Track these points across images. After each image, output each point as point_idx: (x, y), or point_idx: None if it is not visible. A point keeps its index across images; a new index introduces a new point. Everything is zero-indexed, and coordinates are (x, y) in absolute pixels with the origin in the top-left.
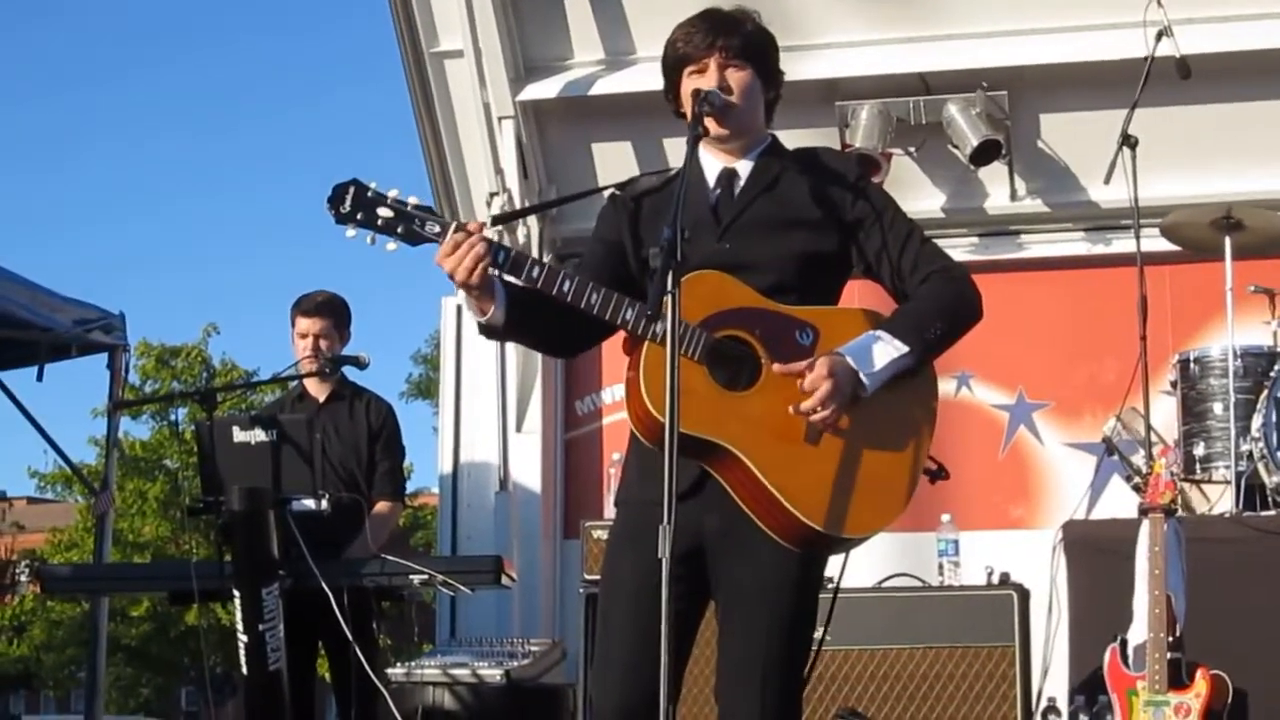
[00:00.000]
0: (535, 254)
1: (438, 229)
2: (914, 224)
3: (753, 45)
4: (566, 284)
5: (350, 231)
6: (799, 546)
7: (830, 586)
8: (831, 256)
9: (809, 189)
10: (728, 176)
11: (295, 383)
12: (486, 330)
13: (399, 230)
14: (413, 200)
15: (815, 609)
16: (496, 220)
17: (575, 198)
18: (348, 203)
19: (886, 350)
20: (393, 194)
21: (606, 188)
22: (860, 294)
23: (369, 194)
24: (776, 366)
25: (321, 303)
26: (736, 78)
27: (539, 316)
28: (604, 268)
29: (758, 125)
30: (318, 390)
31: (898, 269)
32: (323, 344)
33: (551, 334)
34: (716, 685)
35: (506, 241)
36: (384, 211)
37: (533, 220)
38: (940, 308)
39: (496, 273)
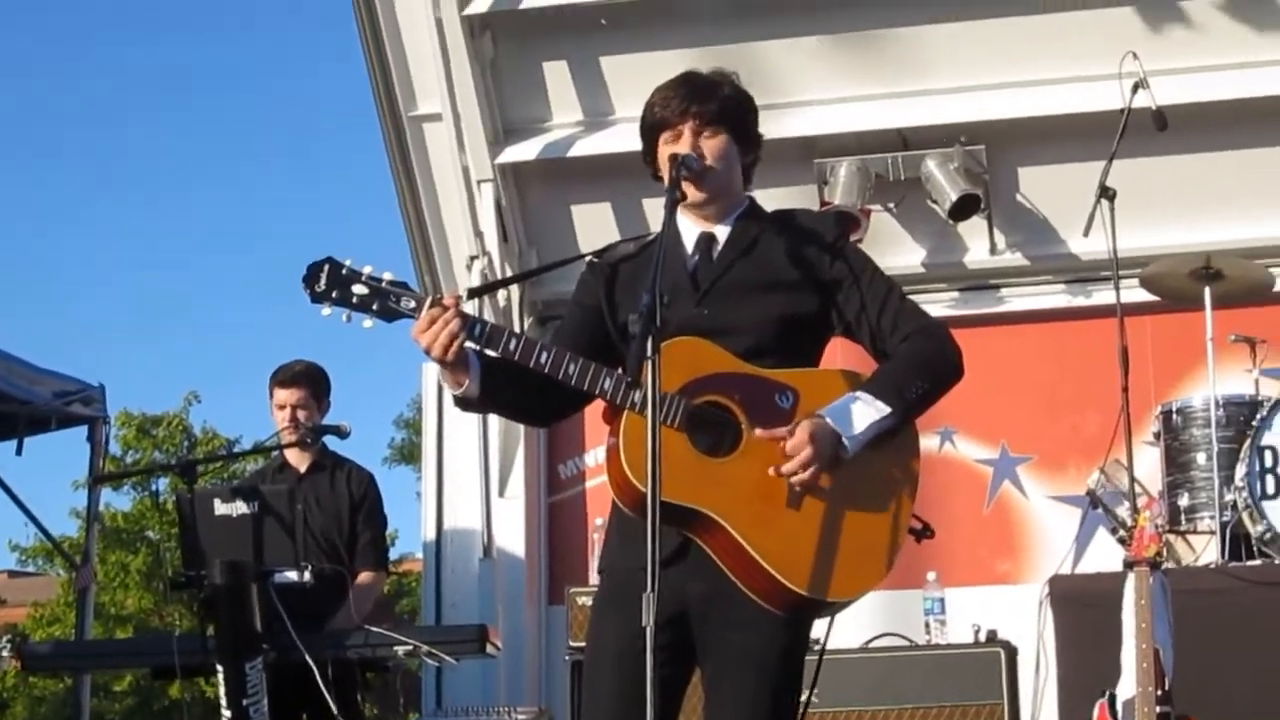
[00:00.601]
0: (516, 317)
1: (413, 304)
2: (893, 283)
3: (728, 110)
4: (544, 355)
5: (326, 310)
6: (784, 610)
7: (816, 649)
8: (811, 318)
9: (786, 251)
10: (706, 241)
11: (276, 454)
12: (462, 403)
13: (374, 307)
14: (387, 276)
15: (802, 672)
16: (473, 293)
17: (551, 267)
18: (322, 281)
19: (868, 412)
20: (367, 270)
21: (581, 256)
22: (843, 353)
23: (343, 272)
24: (758, 432)
25: (299, 373)
26: (710, 144)
27: (514, 387)
28: (582, 333)
29: (735, 189)
30: (299, 461)
31: (877, 329)
32: (301, 414)
33: (529, 404)
34: None
35: (487, 304)
36: (359, 289)
37: (515, 290)
38: (921, 367)
39: (474, 346)
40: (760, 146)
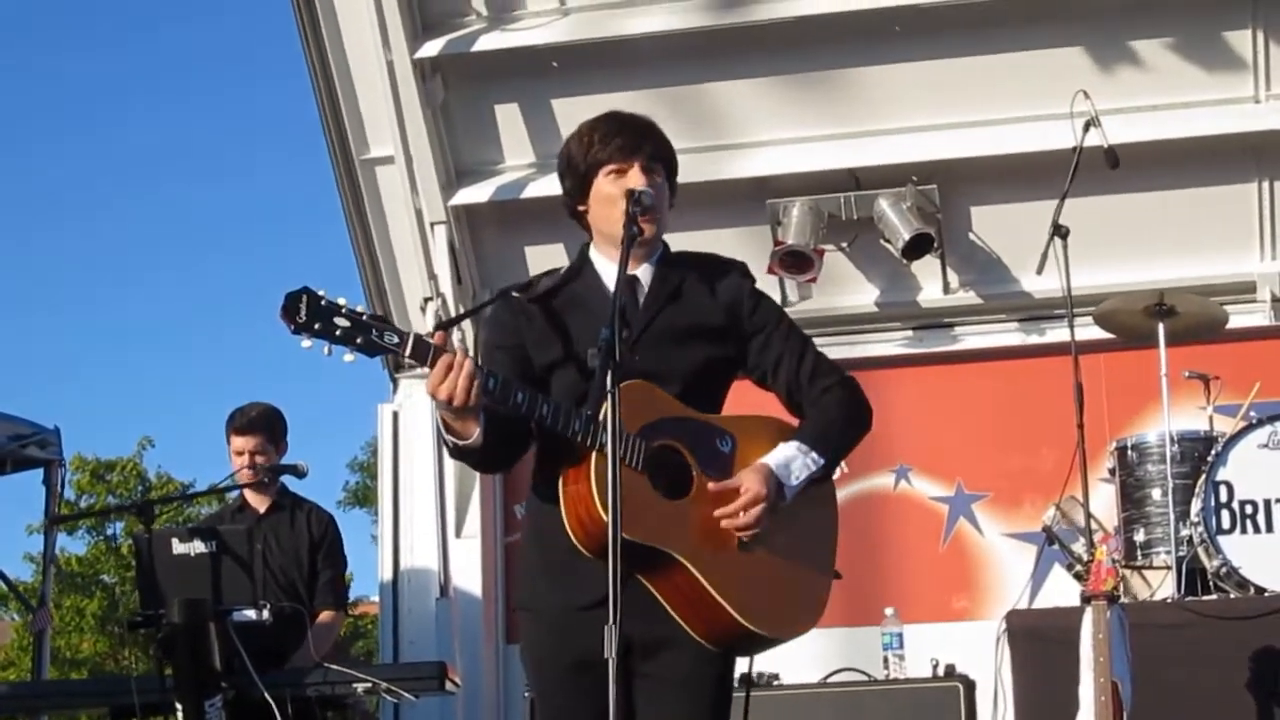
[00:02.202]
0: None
1: (396, 340)
2: (805, 335)
3: (667, 152)
4: (520, 395)
5: (306, 342)
6: (720, 646)
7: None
8: (730, 361)
9: (710, 296)
10: (629, 283)
11: (234, 495)
12: (458, 452)
13: (357, 341)
14: (361, 309)
15: (730, 703)
16: (439, 326)
17: (502, 292)
18: (303, 312)
19: (806, 463)
20: (343, 302)
21: (524, 285)
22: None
23: (323, 303)
24: (712, 485)
25: (254, 419)
26: (657, 184)
27: (505, 435)
28: (514, 375)
29: (663, 230)
30: (257, 501)
31: (795, 378)
32: (259, 459)
33: (511, 453)
34: None
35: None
36: (341, 321)
37: (467, 324)
38: (847, 421)
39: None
40: (675, 195)
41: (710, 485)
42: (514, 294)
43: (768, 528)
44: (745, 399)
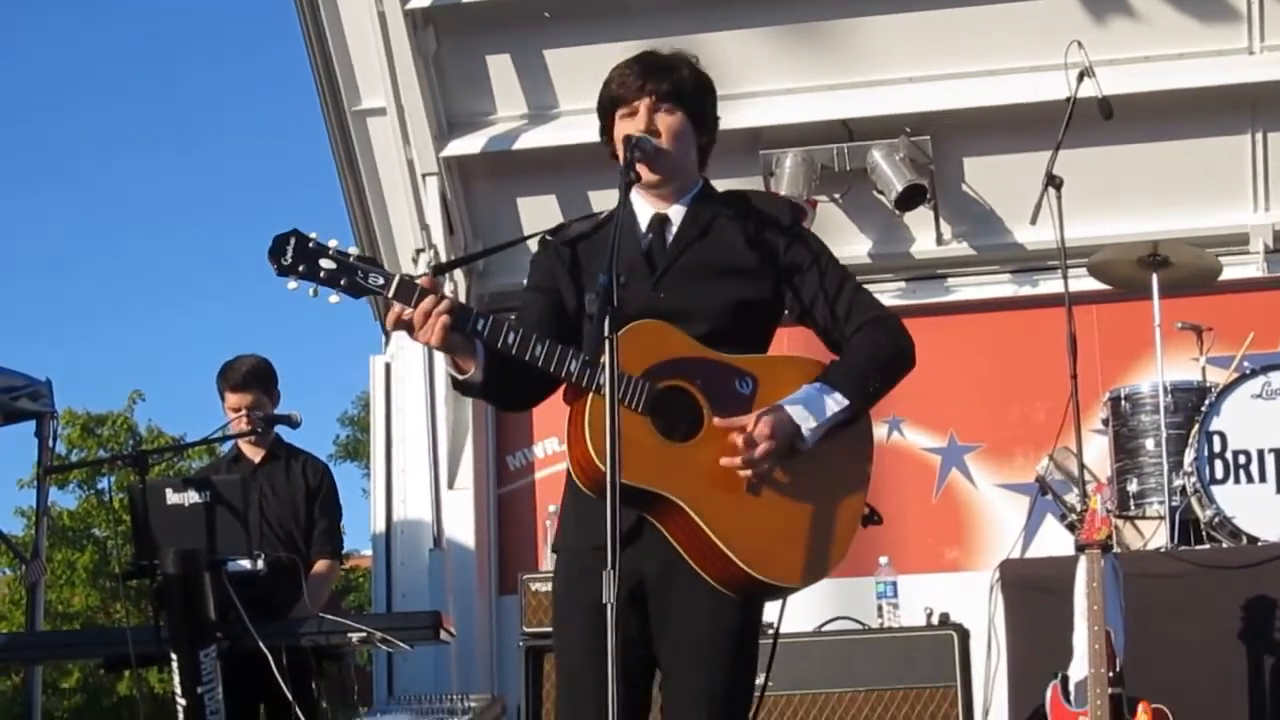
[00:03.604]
0: None
1: (381, 281)
2: (847, 270)
3: (685, 89)
4: (511, 336)
5: (292, 284)
6: (738, 593)
7: (770, 633)
8: (765, 303)
9: (743, 235)
10: (659, 222)
11: (230, 446)
12: (462, 387)
13: (342, 282)
14: (353, 251)
15: (756, 653)
16: (437, 270)
17: (515, 243)
18: (289, 255)
19: (828, 404)
20: (333, 244)
21: (540, 234)
22: (790, 340)
23: (310, 245)
24: (718, 421)
25: (246, 375)
26: (666, 122)
27: (510, 373)
28: (545, 316)
29: (689, 170)
30: (253, 452)
31: (832, 316)
32: (272, 414)
33: (519, 389)
34: (664, 711)
35: None
36: (327, 264)
37: (460, 275)
38: (879, 360)
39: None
40: (716, 129)
41: (716, 422)
42: (549, 237)
43: (785, 471)
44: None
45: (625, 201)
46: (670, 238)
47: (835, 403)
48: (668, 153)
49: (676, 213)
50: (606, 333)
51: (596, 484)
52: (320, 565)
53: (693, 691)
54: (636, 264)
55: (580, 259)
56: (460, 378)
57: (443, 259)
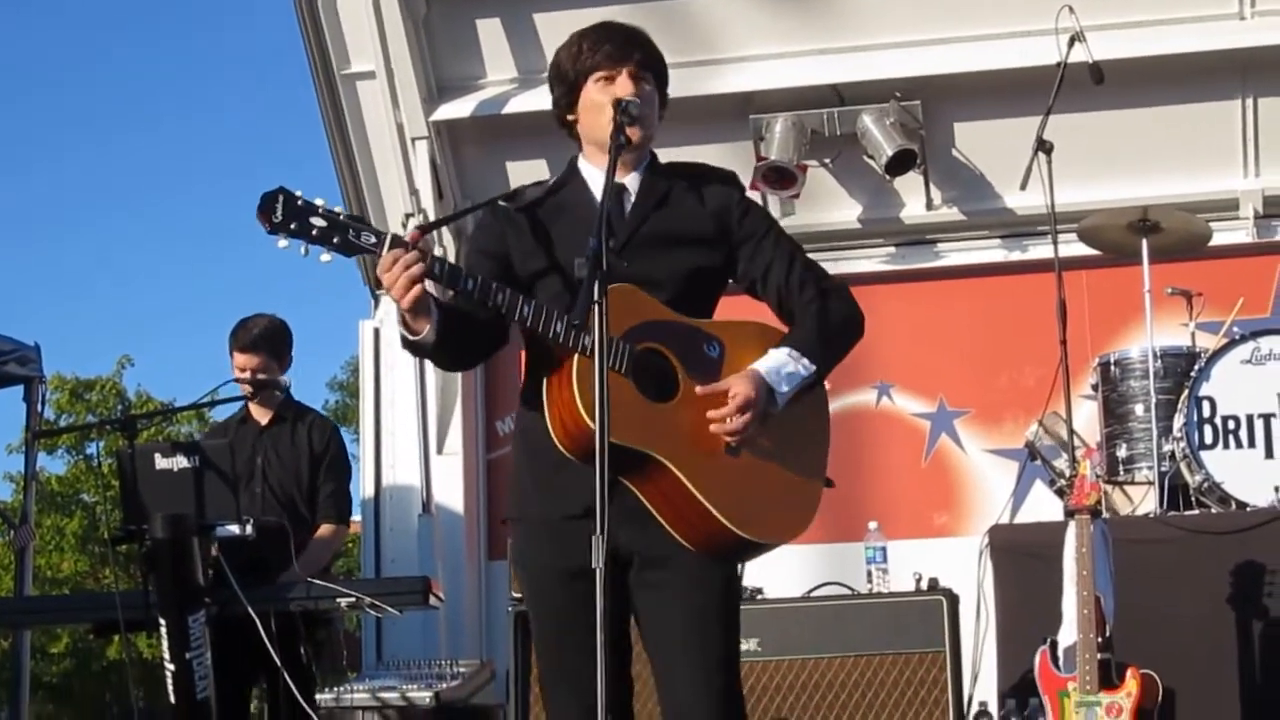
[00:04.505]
0: None
1: (373, 239)
2: (795, 242)
3: (655, 61)
4: (500, 296)
5: (283, 242)
6: (716, 553)
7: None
8: (718, 271)
9: (699, 205)
10: (617, 192)
11: (239, 406)
12: (411, 346)
13: (333, 240)
14: (340, 209)
15: (739, 609)
16: (424, 229)
17: (494, 201)
18: (279, 212)
19: (796, 369)
20: (321, 203)
21: (510, 195)
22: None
23: (300, 203)
24: (700, 389)
25: (258, 337)
26: (645, 91)
27: (461, 335)
28: (491, 280)
29: (651, 139)
30: (260, 414)
31: (785, 286)
32: (261, 378)
33: (465, 352)
34: (658, 675)
35: None
36: (317, 221)
37: (449, 240)
38: (839, 328)
39: (434, 290)
40: (667, 105)
41: (698, 389)
42: (501, 203)
43: (757, 434)
44: (737, 311)
45: (614, 166)
46: (629, 206)
47: (804, 368)
48: (649, 118)
49: (632, 181)
50: (596, 296)
51: (582, 446)
52: (324, 530)
53: (683, 647)
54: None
55: (542, 223)
56: (412, 337)
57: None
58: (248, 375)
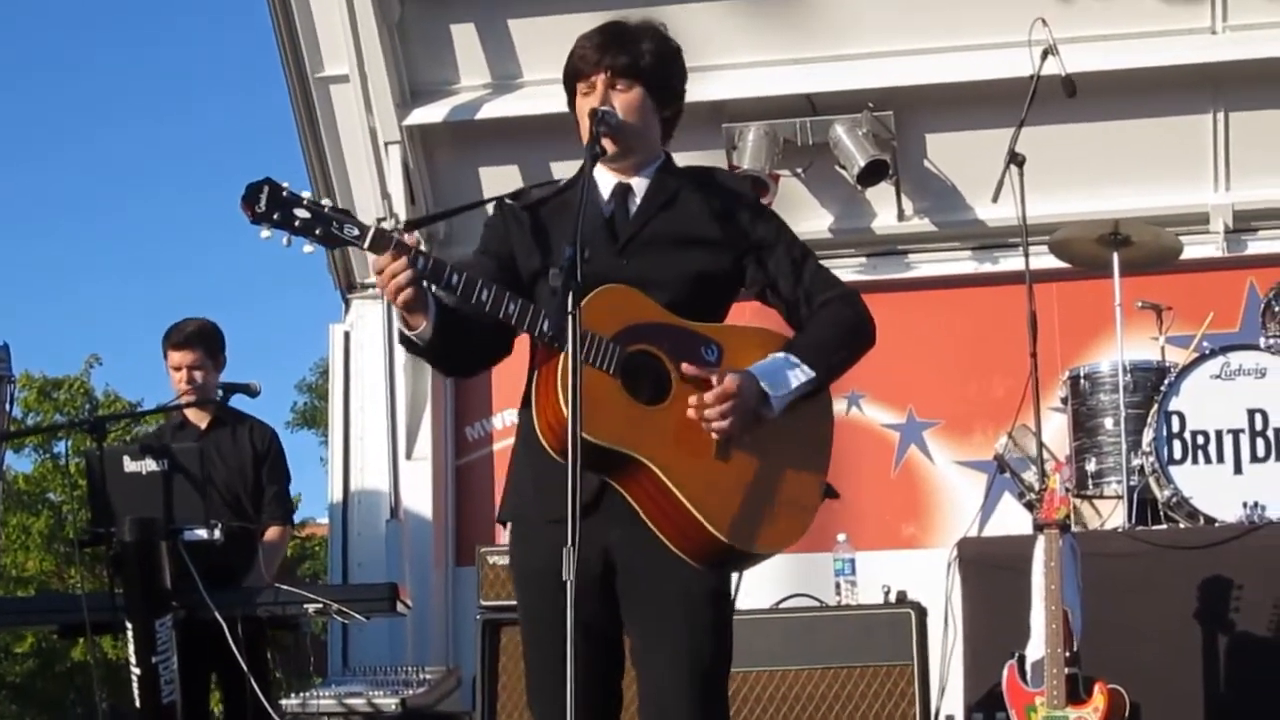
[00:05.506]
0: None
1: (356, 232)
2: (809, 249)
3: (644, 63)
4: (485, 293)
5: (265, 232)
6: (703, 561)
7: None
8: (725, 275)
9: (707, 208)
10: (622, 192)
11: (174, 412)
12: (408, 343)
13: (316, 232)
14: (326, 202)
15: (731, 617)
16: (410, 225)
17: (486, 203)
18: (263, 202)
19: (795, 374)
20: (306, 195)
21: (500, 198)
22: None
23: (284, 194)
24: (685, 367)
25: (191, 334)
26: (622, 99)
27: (461, 336)
28: (495, 280)
29: (651, 143)
30: (198, 418)
31: (795, 293)
32: (197, 375)
33: (465, 354)
34: (642, 687)
35: None
36: (301, 212)
37: (423, 244)
38: (843, 334)
39: (429, 287)
40: (682, 101)
41: (684, 368)
42: (508, 201)
43: (750, 438)
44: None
45: (590, 175)
46: (634, 208)
47: (802, 374)
48: (629, 126)
49: (639, 184)
50: (570, 308)
51: (564, 442)
52: (272, 532)
53: (673, 656)
54: (599, 234)
55: (544, 223)
56: (410, 334)
57: None
58: (184, 374)
